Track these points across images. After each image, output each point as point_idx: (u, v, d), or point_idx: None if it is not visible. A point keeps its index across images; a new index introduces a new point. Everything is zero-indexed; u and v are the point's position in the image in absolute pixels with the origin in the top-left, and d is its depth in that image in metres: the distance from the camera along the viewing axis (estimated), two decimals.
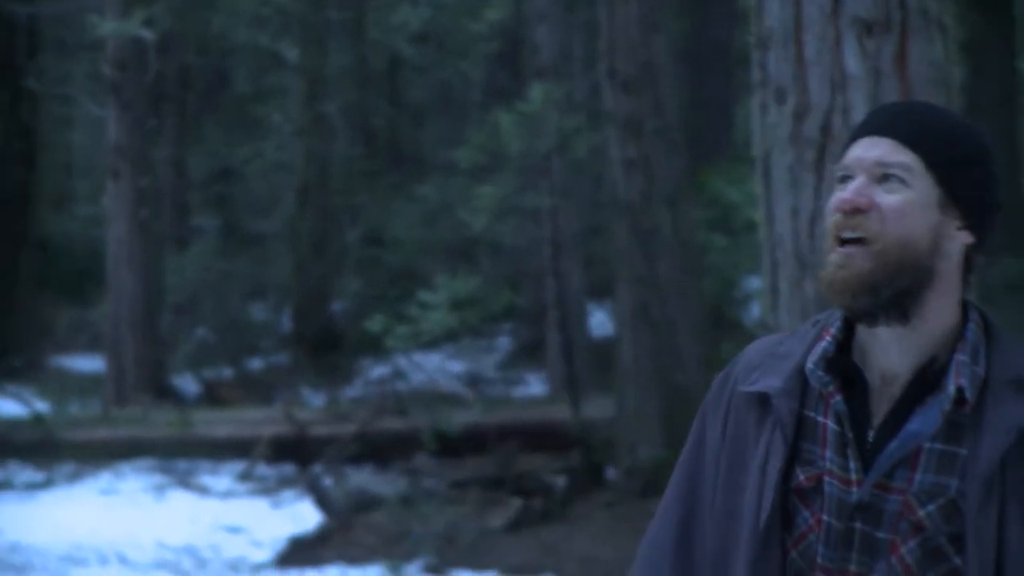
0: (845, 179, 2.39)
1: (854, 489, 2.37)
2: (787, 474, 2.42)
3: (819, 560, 2.40)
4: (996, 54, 19.51)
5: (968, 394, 2.34)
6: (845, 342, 2.44)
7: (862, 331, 2.41)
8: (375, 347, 13.82)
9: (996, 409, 2.34)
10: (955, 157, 2.38)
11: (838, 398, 2.40)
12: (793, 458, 2.43)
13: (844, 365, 2.41)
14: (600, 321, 16.80)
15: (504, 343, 18.09)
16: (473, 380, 16.15)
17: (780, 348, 2.50)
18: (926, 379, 2.37)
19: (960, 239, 2.39)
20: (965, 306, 2.42)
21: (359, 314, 16.16)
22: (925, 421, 2.35)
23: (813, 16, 4.73)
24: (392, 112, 21.83)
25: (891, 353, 2.38)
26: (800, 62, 4.77)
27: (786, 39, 4.78)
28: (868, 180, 2.36)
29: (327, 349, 17.58)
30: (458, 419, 12.29)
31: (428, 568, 9.92)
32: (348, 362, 17.20)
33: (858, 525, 2.37)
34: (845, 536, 2.38)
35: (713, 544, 2.52)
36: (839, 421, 2.39)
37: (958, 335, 2.39)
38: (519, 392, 16.18)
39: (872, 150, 2.37)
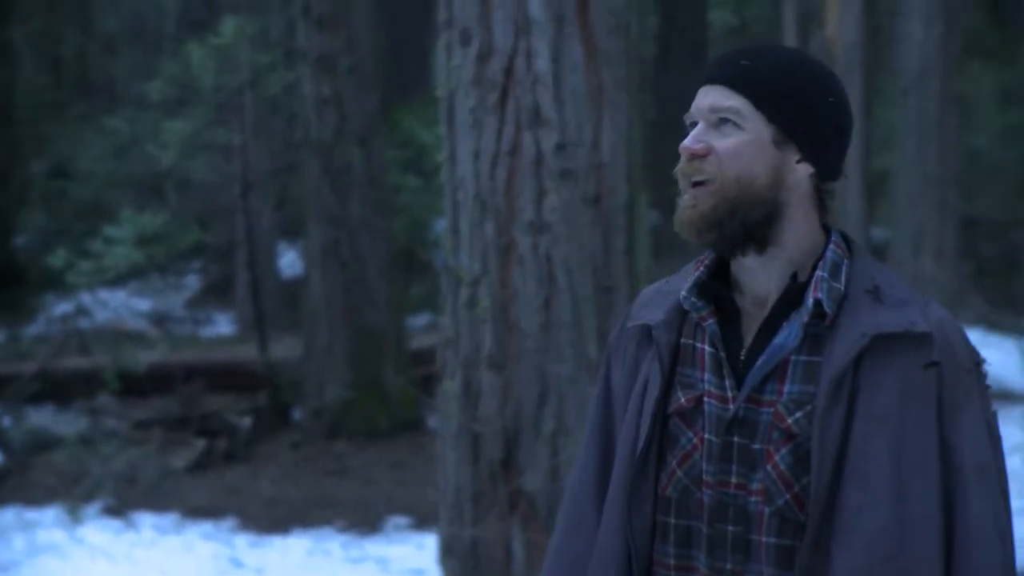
0: (692, 126, 2.58)
1: (730, 405, 2.55)
2: (667, 399, 2.61)
3: (705, 476, 2.56)
4: (689, 4, 19.90)
5: (826, 306, 2.51)
6: (720, 272, 2.62)
7: (733, 261, 2.59)
8: (58, 283, 13.46)
9: (851, 317, 2.51)
10: (783, 94, 2.54)
11: (710, 321, 2.58)
12: (672, 385, 2.61)
13: (716, 292, 2.60)
14: (291, 261, 16.66)
15: (192, 281, 17.81)
16: (159, 318, 15.87)
17: (666, 286, 2.70)
18: (791, 297, 2.55)
19: (802, 171, 2.55)
20: (828, 230, 2.59)
21: (43, 249, 15.70)
22: (789, 335, 2.52)
23: None
24: (82, 41, 21.22)
25: (756, 278, 2.57)
26: (485, 5, 4.76)
27: None
28: (706, 126, 2.55)
29: (8, 285, 17.06)
30: (142, 358, 12.03)
31: (107, 510, 9.71)
32: (30, 299, 16.72)
33: (736, 439, 2.55)
34: (725, 450, 2.55)
35: (603, 474, 2.72)
36: (712, 343, 2.58)
37: (820, 256, 2.56)
38: (207, 331, 15.94)
39: (706, 97, 2.56)
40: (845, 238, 2.60)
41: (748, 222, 2.52)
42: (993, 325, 15.42)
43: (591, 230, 4.79)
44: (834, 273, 2.54)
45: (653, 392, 2.61)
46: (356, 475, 10.62)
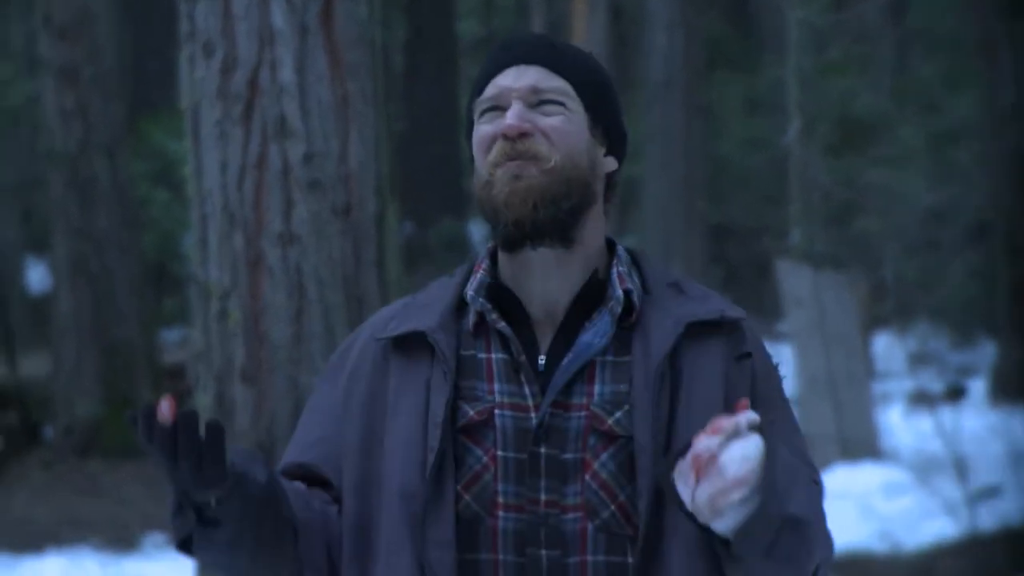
0: (491, 111, 2.37)
1: (532, 415, 2.31)
2: (452, 418, 2.31)
3: (500, 498, 2.29)
4: (437, 15, 20.02)
5: (635, 297, 2.34)
6: (494, 277, 2.39)
7: (512, 267, 2.36)
8: None
9: (658, 310, 2.35)
10: (596, 83, 2.40)
11: (503, 323, 2.33)
12: (454, 399, 2.32)
13: (500, 295, 2.36)
14: (40, 276, 16.32)
15: None
16: None
17: (416, 300, 2.43)
18: (590, 296, 2.35)
19: (608, 164, 2.42)
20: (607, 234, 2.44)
21: None
22: (596, 332, 2.32)
23: None
24: None
25: (550, 279, 2.35)
26: (228, 16, 4.73)
27: None
28: (523, 107, 2.34)
29: None
30: None
31: None
32: None
33: (543, 450, 2.29)
34: (531, 465, 2.29)
35: (348, 522, 2.36)
36: (507, 348, 2.33)
37: (609, 256, 2.40)
38: None
39: (523, 78, 2.36)
40: (626, 247, 2.47)
41: (571, 208, 2.33)
42: None
43: (341, 241, 4.79)
44: (628, 271, 2.39)
45: (440, 400, 2.30)
46: (110, 493, 10.46)
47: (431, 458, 2.28)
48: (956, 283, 15.42)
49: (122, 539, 9.57)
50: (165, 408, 2.15)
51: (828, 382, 11.77)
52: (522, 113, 2.33)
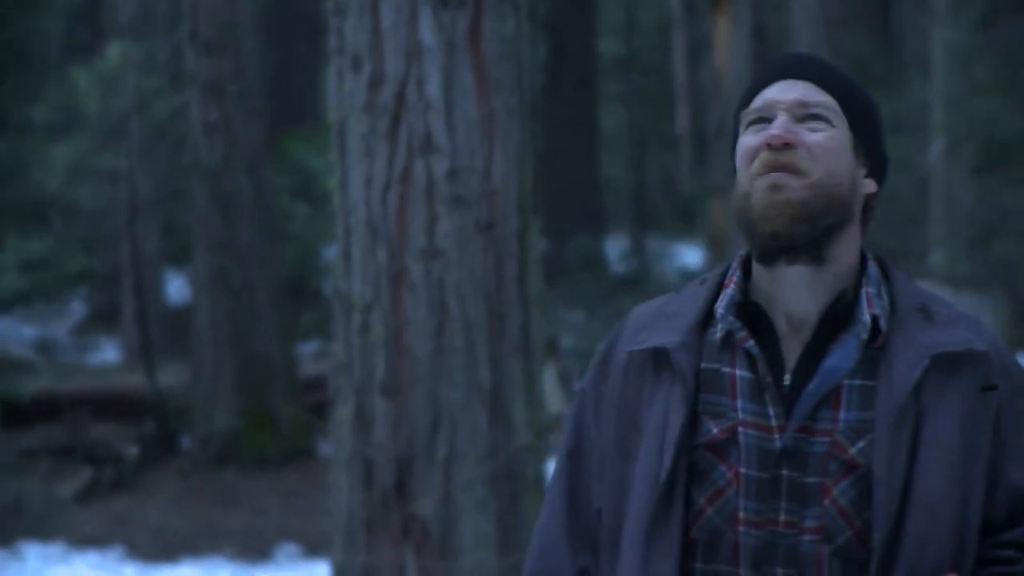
0: (757, 122, 2.38)
1: (775, 436, 2.32)
2: (693, 430, 2.35)
3: (742, 514, 2.32)
4: (578, 34, 20.03)
5: (882, 323, 2.33)
6: (744, 292, 2.41)
7: (763, 279, 2.38)
8: None
9: (903, 336, 2.34)
10: (863, 104, 2.42)
11: (751, 342, 2.35)
12: (695, 414, 2.36)
13: (750, 311, 2.37)
14: (179, 287, 16.53)
15: (77, 308, 17.62)
16: (44, 345, 15.68)
17: (668, 308, 2.45)
18: (837, 316, 2.35)
19: (867, 186, 2.43)
20: (862, 250, 2.43)
21: None
22: (842, 357, 2.32)
23: None
24: None
25: (801, 296, 2.35)
26: (376, 31, 4.76)
27: (363, 8, 4.77)
28: (789, 120, 2.35)
29: None
30: (28, 386, 11.89)
31: None
32: None
33: (784, 472, 2.31)
34: (771, 485, 2.31)
35: (607, 520, 2.44)
36: (752, 367, 2.35)
37: (860, 274, 2.39)
38: (93, 359, 15.78)
39: (791, 92, 2.37)
40: (879, 259, 2.45)
41: (827, 226, 2.33)
42: None
43: (483, 256, 4.80)
44: (878, 291, 2.38)
45: (676, 420, 2.34)
46: (245, 503, 10.55)
47: (663, 476, 2.34)
48: None
49: (256, 549, 9.65)
50: None
51: None
52: (787, 125, 2.34)
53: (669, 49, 20.10)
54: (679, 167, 23.58)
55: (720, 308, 2.38)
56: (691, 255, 19.80)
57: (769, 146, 2.33)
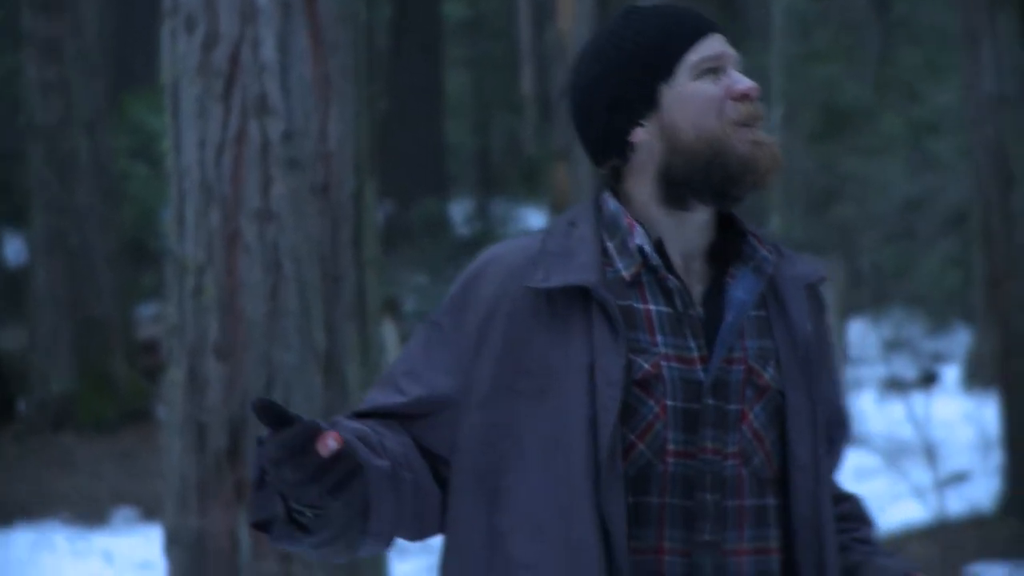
0: (712, 72, 2.44)
1: (698, 367, 2.39)
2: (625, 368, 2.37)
3: (671, 446, 2.37)
4: None
5: (773, 260, 2.46)
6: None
7: (656, 220, 2.44)
8: None
9: (779, 270, 2.47)
10: None
11: (671, 277, 2.40)
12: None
13: (658, 245, 2.44)
14: (16, 250, 16.28)
15: None
16: None
17: (549, 246, 2.43)
18: (724, 251, 2.46)
19: None
20: None
21: None
22: (746, 289, 2.43)
23: None
24: None
25: (699, 235, 2.46)
26: None
27: None
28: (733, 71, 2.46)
29: None
30: None
31: None
32: None
33: (711, 401, 2.39)
34: (700, 415, 2.38)
35: (468, 463, 2.39)
36: (669, 301, 2.40)
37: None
38: None
39: (727, 47, 2.47)
40: None
41: None
42: None
43: (318, 219, 4.80)
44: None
45: (616, 362, 2.35)
46: (83, 467, 10.45)
47: (607, 417, 2.34)
48: (932, 271, 15.47)
49: (92, 513, 9.56)
50: (333, 444, 2.19)
51: None
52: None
53: (514, 12, 20.12)
54: (524, 130, 23.65)
55: (643, 244, 2.41)
56: (535, 218, 19.88)
57: (745, 97, 2.42)
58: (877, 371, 14.13)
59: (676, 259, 2.44)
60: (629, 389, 2.37)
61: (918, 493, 10.00)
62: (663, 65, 2.44)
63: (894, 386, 12.81)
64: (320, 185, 4.79)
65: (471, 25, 23.10)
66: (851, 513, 2.61)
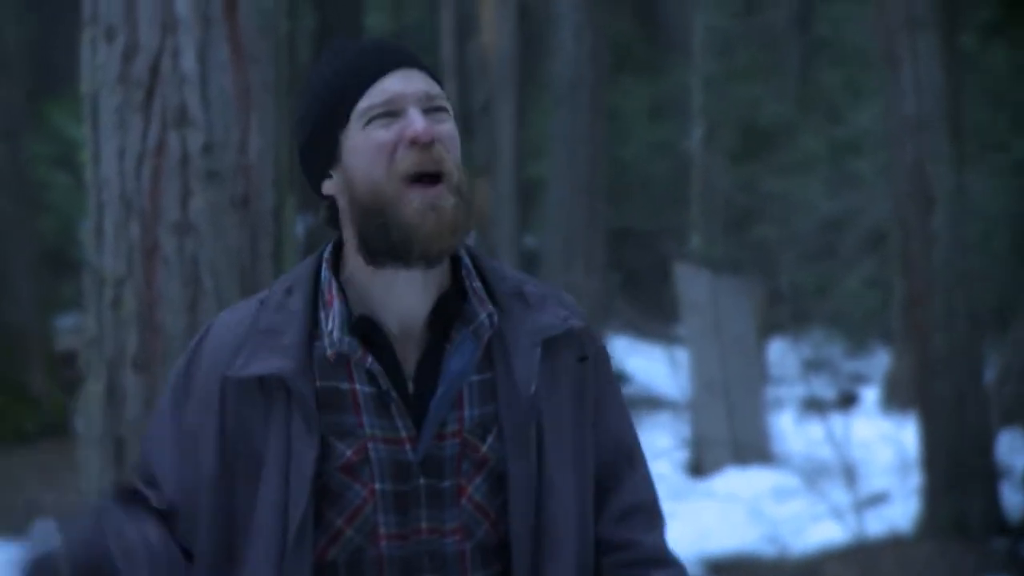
0: (381, 117, 2.27)
1: (407, 447, 2.29)
2: (323, 456, 2.27)
3: (382, 529, 2.29)
4: (345, 7, 19.96)
5: (495, 319, 2.31)
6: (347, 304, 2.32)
7: (367, 281, 2.30)
8: None
9: (512, 325, 2.33)
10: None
11: (370, 359, 2.27)
12: (322, 437, 2.28)
13: (363, 325, 2.29)
14: None
15: None
16: None
17: (260, 323, 2.32)
18: (445, 315, 2.31)
19: None
20: None
21: None
22: (462, 358, 2.30)
23: None
24: None
25: (414, 298, 2.30)
26: (130, 2, 4.70)
27: None
28: (419, 112, 2.26)
29: None
30: None
31: None
32: None
33: (422, 481, 2.30)
34: (411, 497, 2.30)
35: (208, 549, 2.32)
36: (373, 381, 2.28)
37: (453, 268, 2.35)
38: None
39: (413, 83, 2.27)
40: (468, 249, 2.41)
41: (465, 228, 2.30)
42: (641, 333, 15.85)
43: (238, 232, 4.77)
44: (473, 279, 2.35)
45: (307, 454, 2.26)
46: (0, 479, 10.35)
47: (297, 514, 2.27)
48: (852, 291, 15.59)
49: (10, 525, 9.47)
50: None
51: (723, 386, 11.86)
52: (422, 119, 2.25)
53: (437, 25, 20.10)
54: None
55: (334, 330, 2.29)
56: None
57: (414, 143, 2.24)
58: (796, 391, 14.22)
59: (392, 326, 2.30)
60: (332, 475, 2.28)
61: (837, 514, 10.06)
62: (338, 112, 2.29)
63: (813, 406, 12.90)
64: (240, 198, 4.77)
65: (394, 37, 23.10)
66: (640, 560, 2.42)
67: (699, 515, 10.44)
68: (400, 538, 2.30)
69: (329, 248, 2.36)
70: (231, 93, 4.73)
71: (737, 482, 11.34)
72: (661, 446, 12.19)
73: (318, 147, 2.32)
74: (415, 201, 2.23)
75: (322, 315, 2.32)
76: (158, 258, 4.74)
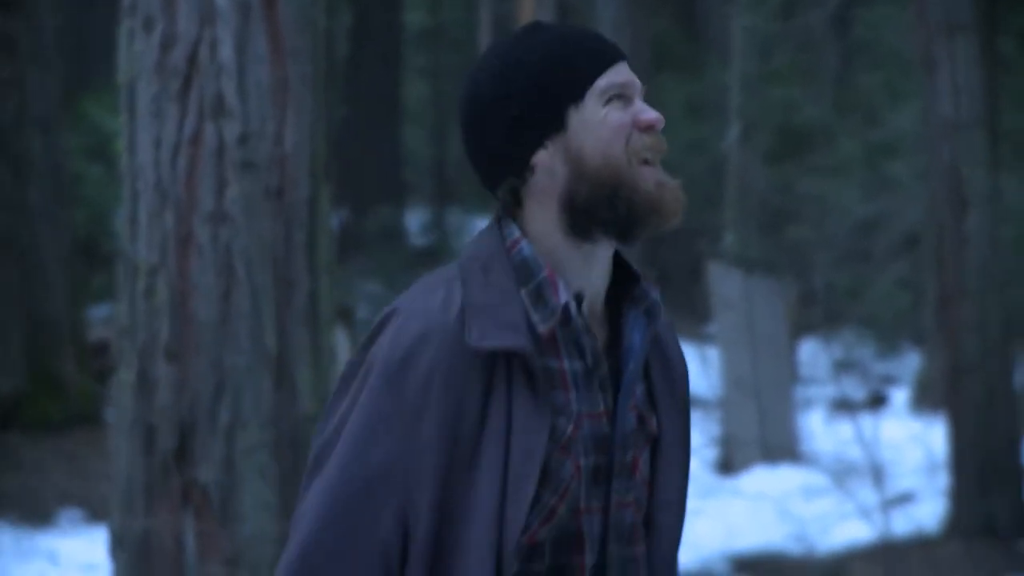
0: (620, 99, 2.35)
1: (604, 420, 2.32)
2: (549, 434, 2.27)
3: (582, 503, 2.31)
4: (383, 4, 19.98)
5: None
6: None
7: (565, 256, 2.31)
8: None
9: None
10: None
11: (587, 335, 2.31)
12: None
13: (577, 299, 2.32)
14: None
15: None
16: None
17: (473, 300, 2.27)
18: (617, 293, 2.37)
19: None
20: None
21: None
22: (639, 335, 2.35)
23: None
24: None
25: (605, 272, 2.35)
26: None
27: None
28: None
29: None
30: None
31: None
32: None
33: (616, 455, 2.33)
34: (605, 471, 2.33)
35: (420, 534, 2.25)
36: (583, 356, 2.31)
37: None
38: None
39: (633, 75, 2.38)
40: None
41: None
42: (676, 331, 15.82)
43: (272, 223, 4.78)
44: None
45: (540, 433, 2.25)
46: (29, 468, 10.38)
47: (530, 490, 2.25)
48: (884, 293, 15.55)
49: (38, 514, 9.51)
50: None
51: (753, 385, 11.84)
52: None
53: (475, 23, 20.12)
54: None
55: (571, 302, 2.29)
56: None
57: (650, 128, 2.34)
58: (827, 391, 14.19)
59: (586, 306, 2.33)
60: (553, 453, 2.28)
61: (864, 513, 10.04)
62: (573, 87, 2.33)
63: (843, 406, 12.88)
64: (275, 189, 4.78)
65: (432, 34, 23.11)
66: None
67: (727, 513, 10.44)
68: (598, 511, 2.34)
69: (509, 230, 2.36)
70: (268, 85, 4.74)
71: (766, 480, 11.33)
72: (692, 444, 12.17)
73: (539, 117, 2.33)
74: (650, 180, 2.33)
75: (523, 292, 2.29)
76: (192, 247, 4.76)
